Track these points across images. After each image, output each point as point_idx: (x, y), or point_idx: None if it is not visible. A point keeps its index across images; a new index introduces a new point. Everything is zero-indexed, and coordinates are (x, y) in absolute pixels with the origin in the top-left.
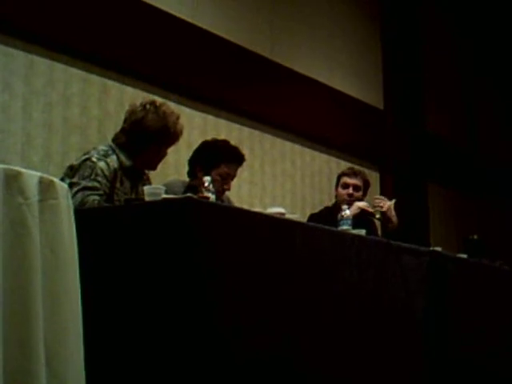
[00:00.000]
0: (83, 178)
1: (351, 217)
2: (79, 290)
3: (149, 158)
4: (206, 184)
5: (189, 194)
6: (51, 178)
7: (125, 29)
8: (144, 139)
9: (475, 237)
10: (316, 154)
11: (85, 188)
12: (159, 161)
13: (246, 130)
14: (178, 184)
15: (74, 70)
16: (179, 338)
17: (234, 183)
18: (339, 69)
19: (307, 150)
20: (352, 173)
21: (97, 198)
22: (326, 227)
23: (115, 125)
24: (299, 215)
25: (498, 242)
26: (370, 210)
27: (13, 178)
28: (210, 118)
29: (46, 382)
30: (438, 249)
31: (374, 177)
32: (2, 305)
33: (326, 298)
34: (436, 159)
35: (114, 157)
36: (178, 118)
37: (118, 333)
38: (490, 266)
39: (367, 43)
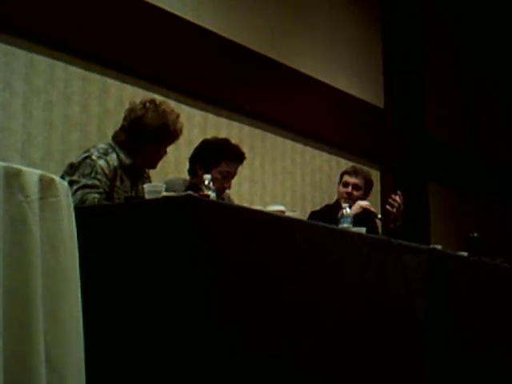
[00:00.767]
0: (83, 176)
1: (352, 215)
2: (79, 288)
3: (148, 157)
4: (207, 182)
5: (189, 192)
6: (51, 175)
7: (125, 28)
8: (143, 137)
9: (475, 235)
10: (316, 152)
11: (85, 186)
12: (159, 159)
13: (247, 129)
14: (179, 182)
15: (75, 69)
16: (180, 334)
17: (235, 181)
18: (340, 68)
19: (307, 149)
20: (353, 172)
21: (97, 196)
22: (327, 225)
23: (115, 123)
24: (299, 213)
25: (498, 241)
26: (373, 209)
27: (13, 176)
28: (211, 116)
29: (45, 378)
30: (439, 247)
31: (374, 175)
32: (2, 302)
33: (327, 296)
34: (436, 158)
35: (114, 155)
36: (177, 116)
37: (118, 330)
38: (490, 264)
39: (368, 43)
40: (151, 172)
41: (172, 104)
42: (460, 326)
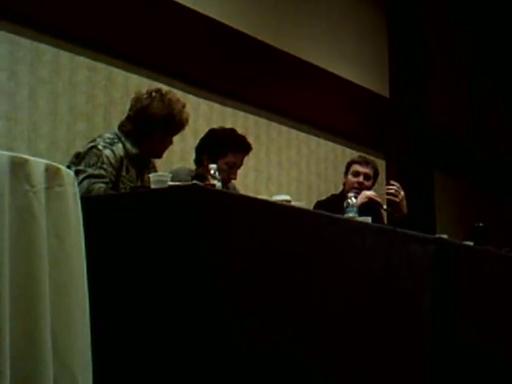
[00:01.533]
0: (89, 166)
1: (357, 204)
2: (85, 277)
3: (154, 146)
4: (212, 172)
5: (195, 182)
6: (57, 165)
7: (130, 17)
8: (149, 127)
9: (481, 224)
10: (322, 141)
11: (91, 176)
12: (165, 149)
13: (252, 118)
14: (185, 172)
15: (80, 59)
16: (185, 324)
17: (240, 171)
18: (345, 57)
19: (313, 138)
20: (364, 161)
21: (103, 185)
22: (332, 214)
23: (121, 112)
24: (305, 203)
25: (503, 230)
26: (378, 199)
27: (19, 166)
28: (216, 106)
29: (53, 370)
30: (444, 236)
31: (379, 164)
32: (9, 292)
33: (332, 286)
34: (441, 148)
35: (120, 145)
36: (183, 106)
37: (124, 321)
38: (496, 254)
39: (373, 32)
40: (157, 162)
41: (178, 94)
42: (465, 315)
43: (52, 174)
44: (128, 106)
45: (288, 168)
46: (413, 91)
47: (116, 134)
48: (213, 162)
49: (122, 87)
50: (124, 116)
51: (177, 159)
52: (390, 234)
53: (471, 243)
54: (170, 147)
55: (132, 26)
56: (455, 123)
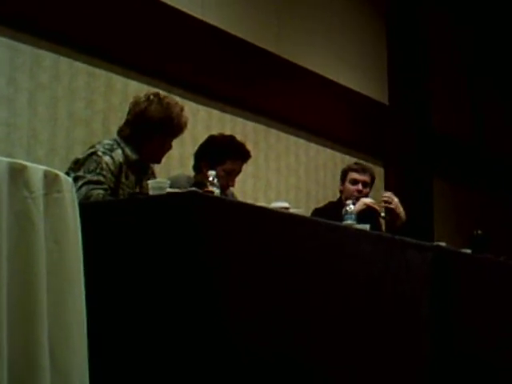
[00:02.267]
0: (88, 172)
1: (356, 212)
2: (83, 283)
3: (153, 150)
4: (211, 178)
5: (193, 188)
6: (56, 171)
7: (130, 23)
8: (148, 130)
9: (480, 232)
10: (320, 148)
11: (89, 182)
12: (164, 153)
13: (251, 125)
14: (184, 179)
15: (80, 64)
16: (184, 330)
17: (239, 177)
18: (345, 64)
19: (312, 145)
20: (361, 169)
21: (101, 192)
22: (331, 222)
23: (120, 119)
24: (303, 210)
25: (503, 237)
26: (376, 206)
27: (18, 172)
28: (215, 112)
29: (49, 375)
30: (442, 244)
31: (378, 172)
32: (7, 298)
33: (330, 293)
34: (441, 154)
35: (120, 151)
36: (182, 109)
37: (122, 326)
38: (494, 261)
39: (373, 40)
40: (156, 167)
41: (176, 99)
42: (464, 322)
43: (50, 180)
44: (127, 112)
45: (286, 175)
46: (413, 91)
47: (115, 140)
48: (211, 169)
49: (122, 93)
50: (123, 122)
51: (175, 165)
52: (388, 241)
53: (469, 251)
54: (169, 153)
55: (131, 32)
56: (455, 124)
